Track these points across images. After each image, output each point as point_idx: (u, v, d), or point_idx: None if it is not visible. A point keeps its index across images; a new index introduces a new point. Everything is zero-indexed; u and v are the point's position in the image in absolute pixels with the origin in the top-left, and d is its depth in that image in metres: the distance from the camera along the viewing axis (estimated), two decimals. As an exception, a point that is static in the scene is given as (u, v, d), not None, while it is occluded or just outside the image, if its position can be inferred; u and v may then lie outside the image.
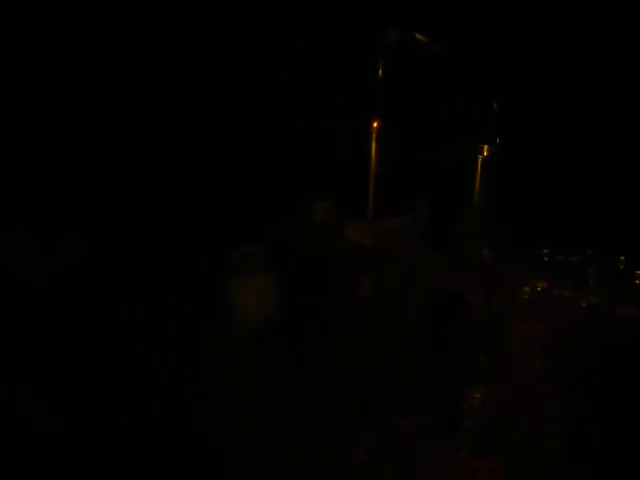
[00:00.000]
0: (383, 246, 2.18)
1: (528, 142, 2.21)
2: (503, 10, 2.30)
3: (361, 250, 2.23)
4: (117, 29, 2.37)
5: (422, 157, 2.26)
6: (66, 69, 2.29)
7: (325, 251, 2.33)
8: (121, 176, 2.53)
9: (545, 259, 1.86)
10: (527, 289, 1.80)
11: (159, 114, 2.54)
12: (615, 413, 1.73)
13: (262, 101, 2.61)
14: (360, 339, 2.18)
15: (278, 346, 2.13)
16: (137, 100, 2.44)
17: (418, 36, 2.19)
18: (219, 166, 2.65)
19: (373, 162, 2.29)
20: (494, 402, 1.72)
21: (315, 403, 1.95)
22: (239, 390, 2.03)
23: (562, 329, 1.71)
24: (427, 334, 2.05)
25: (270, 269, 2.27)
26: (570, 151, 2.20)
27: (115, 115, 2.42)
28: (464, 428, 1.72)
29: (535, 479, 1.73)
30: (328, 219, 2.35)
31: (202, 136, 2.64)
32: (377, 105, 2.31)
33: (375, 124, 2.29)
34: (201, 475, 1.80)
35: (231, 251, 2.36)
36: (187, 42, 2.46)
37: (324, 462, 1.78)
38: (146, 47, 2.42)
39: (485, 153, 2.04)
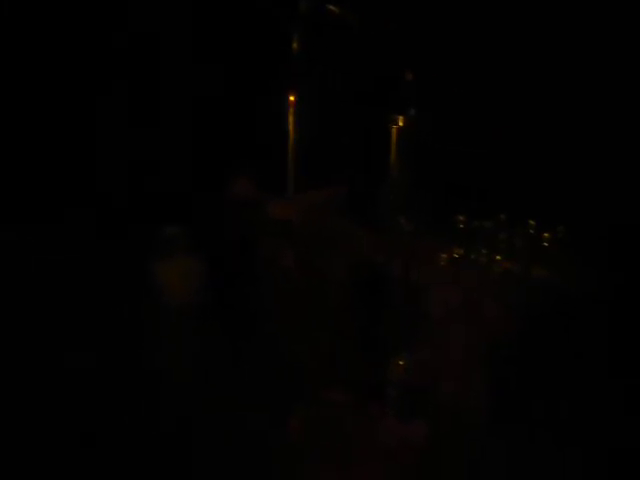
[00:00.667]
0: (305, 219, 2.15)
1: (443, 111, 2.21)
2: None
3: (283, 224, 2.20)
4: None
5: (339, 129, 2.22)
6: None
7: (247, 228, 2.29)
8: (42, 159, 2.41)
9: (461, 226, 1.87)
10: (445, 256, 1.81)
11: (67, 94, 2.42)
12: (534, 373, 1.77)
13: (178, 81, 2.51)
14: (286, 313, 2.16)
15: (206, 324, 2.14)
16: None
17: (331, 7, 2.14)
18: (139, 149, 2.56)
19: (291, 136, 2.25)
20: (417, 368, 1.73)
21: (245, 378, 1.97)
22: (169, 368, 2.04)
23: (479, 294, 1.73)
24: (351, 305, 2.05)
25: (194, 249, 2.26)
26: (482, 119, 2.21)
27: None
28: (390, 396, 1.73)
29: (461, 439, 1.76)
30: (249, 196, 2.32)
31: (116, 119, 2.53)
32: (293, 78, 2.25)
33: (292, 98, 2.24)
34: (137, 447, 1.79)
35: (154, 233, 2.31)
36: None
37: (258, 435, 1.79)
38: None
39: (401, 123, 2.02)
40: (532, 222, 1.86)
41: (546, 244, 1.78)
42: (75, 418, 1.88)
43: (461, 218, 1.90)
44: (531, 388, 1.77)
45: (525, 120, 2.19)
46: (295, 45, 2.21)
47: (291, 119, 2.23)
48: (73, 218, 2.45)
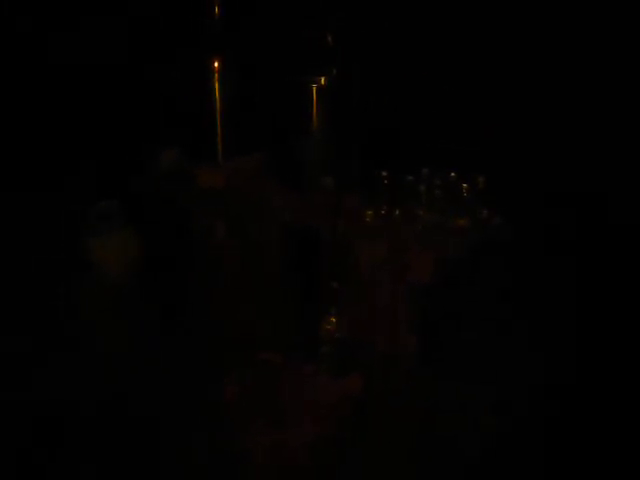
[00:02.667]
0: (234, 186, 2.11)
1: (364, 70, 2.18)
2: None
3: (213, 193, 2.14)
4: None
5: (263, 93, 2.16)
6: None
7: (177, 198, 2.23)
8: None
9: (385, 182, 1.85)
10: (370, 212, 1.79)
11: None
12: (460, 320, 1.79)
13: (99, 52, 2.41)
14: (220, 281, 2.11)
15: (140, 298, 2.09)
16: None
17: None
18: (65, 120, 2.45)
19: (217, 103, 2.18)
20: (348, 325, 1.73)
21: (182, 348, 1.93)
22: (107, 343, 1.99)
23: (404, 247, 1.72)
24: (282, 268, 2.03)
25: (126, 222, 2.21)
26: (401, 77, 2.19)
27: None
28: (322, 353, 1.72)
29: (394, 389, 1.77)
30: (177, 166, 2.27)
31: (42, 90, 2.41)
32: (216, 43, 2.18)
33: (216, 63, 2.16)
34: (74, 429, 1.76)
35: (85, 206, 2.22)
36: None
37: (194, 400, 1.77)
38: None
39: (322, 83, 1.98)
40: (452, 174, 1.86)
41: (465, 194, 1.78)
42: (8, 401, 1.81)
43: (384, 174, 1.88)
44: (459, 334, 1.79)
45: (442, 76, 2.18)
46: (216, 10, 2.13)
47: (216, 85, 2.15)
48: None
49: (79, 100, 2.45)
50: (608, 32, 1.97)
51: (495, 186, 1.84)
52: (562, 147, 2.00)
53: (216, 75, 2.15)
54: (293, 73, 2.12)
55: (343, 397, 1.71)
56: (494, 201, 1.82)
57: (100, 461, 1.73)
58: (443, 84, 2.18)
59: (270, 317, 2.04)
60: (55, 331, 2.00)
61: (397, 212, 1.85)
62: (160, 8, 2.43)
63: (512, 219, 1.82)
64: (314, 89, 1.99)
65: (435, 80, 2.18)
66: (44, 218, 2.32)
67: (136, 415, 1.78)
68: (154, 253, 2.17)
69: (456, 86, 2.16)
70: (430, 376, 1.77)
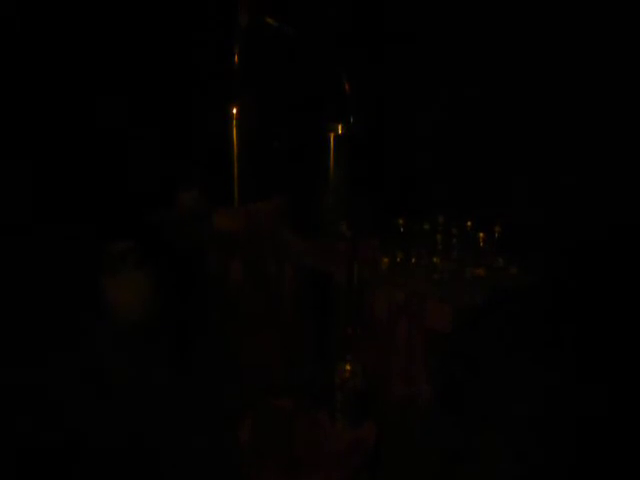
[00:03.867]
0: (251, 230, 2.12)
1: (378, 119, 2.20)
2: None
3: (230, 236, 2.16)
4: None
5: (281, 140, 2.19)
6: None
7: (195, 241, 2.25)
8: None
9: (401, 229, 1.85)
10: (386, 259, 1.78)
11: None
12: (477, 367, 1.76)
13: (121, 92, 2.45)
14: (235, 324, 2.11)
15: (157, 341, 2.11)
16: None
17: (269, 20, 2.12)
18: (81, 162, 2.49)
19: (235, 148, 2.21)
20: (363, 371, 1.71)
21: (197, 392, 1.93)
22: (122, 387, 1.98)
23: (420, 295, 1.71)
24: (297, 313, 2.02)
25: (143, 264, 2.24)
26: (414, 127, 2.21)
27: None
28: (337, 400, 1.70)
29: (409, 437, 1.74)
30: (196, 208, 2.30)
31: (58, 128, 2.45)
32: (235, 91, 2.22)
33: (234, 110, 2.20)
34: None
35: (103, 248, 2.26)
36: None
37: (208, 447, 1.76)
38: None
39: (340, 131, 2.00)
40: (469, 223, 1.85)
41: (482, 244, 1.77)
42: (16, 436, 1.80)
43: (400, 222, 1.88)
44: (476, 382, 1.76)
45: (458, 124, 2.19)
46: (236, 58, 2.18)
47: (234, 131, 2.19)
48: (19, 231, 2.37)
49: (100, 139, 2.49)
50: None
51: (511, 235, 1.83)
52: (576, 196, 2.00)
53: (234, 121, 2.18)
54: (311, 121, 2.15)
55: (357, 445, 1.68)
56: (510, 250, 1.81)
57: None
58: (459, 132, 2.19)
59: (285, 362, 2.03)
60: (70, 367, 2.00)
61: (413, 260, 1.84)
62: (181, 55, 2.48)
63: (528, 268, 1.80)
64: (331, 137, 2.01)
65: (451, 128, 2.20)
66: (62, 256, 2.35)
67: (148, 456, 1.77)
68: (170, 293, 2.20)
69: (471, 134, 2.17)
70: (446, 424, 1.74)
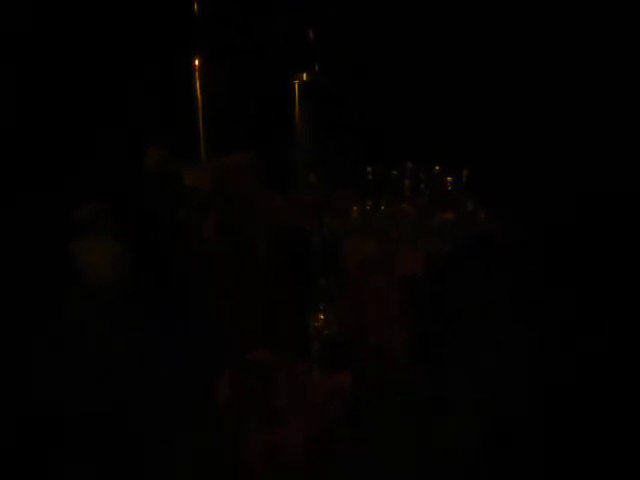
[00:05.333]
0: (220, 185, 2.08)
1: (346, 66, 2.15)
2: None
3: (200, 193, 2.10)
4: None
5: (245, 90, 2.13)
6: None
7: (165, 200, 2.19)
8: None
9: (370, 177, 1.83)
10: (356, 208, 1.77)
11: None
12: (450, 315, 1.77)
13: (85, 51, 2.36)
14: (210, 282, 2.09)
15: (132, 304, 2.06)
16: None
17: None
18: (51, 122, 2.41)
19: (199, 101, 2.14)
20: (338, 320, 1.72)
21: (173, 348, 1.92)
22: (97, 345, 1.96)
23: (392, 241, 1.71)
24: (272, 267, 2.01)
25: (113, 226, 2.18)
26: (383, 71, 2.16)
27: None
28: (313, 350, 1.70)
29: (385, 385, 1.76)
30: (163, 165, 2.22)
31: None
32: (196, 41, 2.14)
33: (196, 61, 2.13)
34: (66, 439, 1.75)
35: (71, 212, 2.18)
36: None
37: (186, 400, 1.76)
38: None
39: (305, 78, 1.95)
40: (437, 167, 1.84)
41: (450, 188, 1.76)
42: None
43: (369, 170, 1.86)
44: (451, 330, 1.78)
45: (425, 69, 2.15)
46: (196, 6, 2.10)
47: (197, 83, 2.12)
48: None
49: (62, 101, 2.41)
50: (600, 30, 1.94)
51: (480, 180, 1.82)
52: (544, 140, 1.99)
53: (197, 73, 2.11)
54: (275, 69, 2.09)
55: (334, 394, 1.70)
56: (479, 195, 1.81)
57: (91, 459, 1.73)
58: (429, 78, 2.15)
59: (260, 316, 2.02)
60: (43, 334, 1.97)
61: (382, 207, 1.84)
62: (141, 8, 2.38)
63: (498, 212, 1.81)
64: (296, 85, 1.96)
65: (420, 75, 2.16)
66: (29, 222, 2.29)
67: (128, 415, 1.78)
68: (143, 254, 2.13)
69: (441, 80, 2.14)
70: (420, 373, 1.76)
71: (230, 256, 2.07)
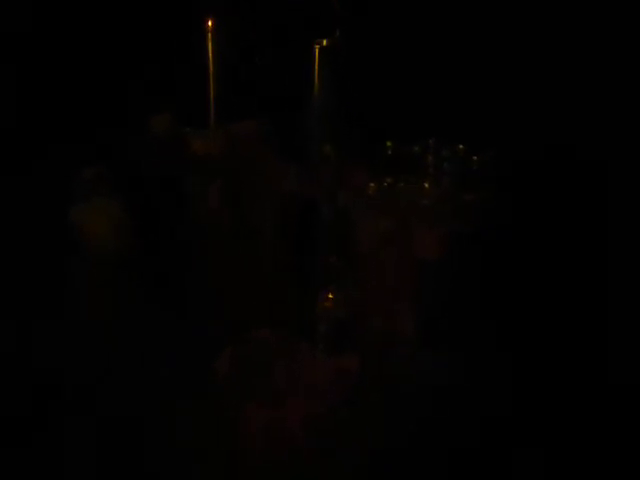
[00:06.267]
0: (228, 153, 1.99)
1: (370, 34, 2.02)
2: None
3: (207, 159, 2.02)
4: None
5: (260, 55, 2.01)
6: None
7: (170, 167, 2.10)
8: None
9: (389, 152, 1.72)
10: (373, 185, 1.66)
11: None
12: (466, 300, 1.69)
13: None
14: (214, 253, 2.02)
15: (136, 272, 1.99)
16: None
17: None
18: (51, 83, 2.30)
19: (210, 64, 2.02)
20: (346, 301, 1.63)
21: (175, 322, 1.86)
22: (97, 314, 1.91)
23: (410, 221, 1.61)
24: (279, 240, 1.91)
25: (116, 191, 2.08)
26: (409, 42, 2.04)
27: None
28: (319, 331, 1.62)
29: (391, 370, 1.68)
30: (170, 131, 2.11)
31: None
32: (209, 1, 2.02)
33: (209, 22, 2.00)
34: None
35: (73, 174, 2.09)
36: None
37: (187, 377, 1.71)
38: None
39: (324, 44, 1.83)
40: (461, 146, 1.73)
41: (475, 167, 1.66)
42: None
43: (389, 144, 1.75)
44: (463, 316, 1.69)
45: (452, 42, 2.03)
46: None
47: (209, 46, 2.00)
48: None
49: (64, 63, 2.30)
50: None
51: (506, 160, 1.72)
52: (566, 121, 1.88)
53: (209, 35, 1.99)
54: (294, 33, 1.97)
55: (339, 377, 1.63)
56: (505, 175, 1.71)
57: (89, 434, 1.67)
58: (453, 51, 2.03)
59: (266, 292, 1.94)
60: (43, 302, 1.91)
61: (401, 185, 1.73)
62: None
63: (518, 195, 1.71)
64: (316, 51, 1.83)
65: (444, 47, 2.04)
66: (30, 188, 2.18)
67: (127, 391, 1.71)
68: (145, 222, 2.05)
69: (466, 53, 2.02)
70: (428, 355, 1.69)
71: (234, 226, 1.99)
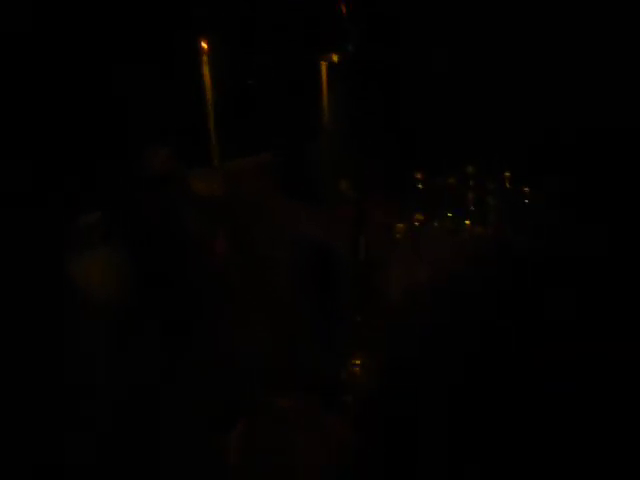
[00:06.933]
0: (233, 193, 1.73)
1: (386, 46, 1.71)
2: None
3: (210, 200, 1.80)
4: None
5: (265, 80, 1.74)
6: None
7: (170, 207, 1.89)
8: None
9: (419, 185, 1.40)
10: (402, 225, 1.35)
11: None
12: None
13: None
14: (223, 307, 1.78)
15: (133, 323, 1.79)
16: None
17: None
18: (44, 124, 2.11)
19: (208, 92, 1.77)
20: (377, 369, 1.34)
21: (181, 384, 1.64)
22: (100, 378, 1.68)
23: (447, 271, 1.30)
24: (296, 295, 1.63)
25: (114, 237, 1.89)
26: (430, 59, 1.72)
27: None
28: (345, 403, 1.33)
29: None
30: (168, 169, 1.89)
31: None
32: (204, 21, 1.76)
33: (204, 45, 1.74)
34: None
35: (69, 222, 1.89)
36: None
37: (196, 451, 1.51)
38: None
39: (335, 59, 1.52)
40: (508, 174, 1.40)
41: (526, 201, 1.33)
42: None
43: (418, 176, 1.43)
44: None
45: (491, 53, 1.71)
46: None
47: (206, 70, 1.74)
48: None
49: (55, 99, 2.11)
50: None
51: (569, 189, 1.39)
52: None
53: (205, 57, 1.72)
54: (299, 50, 1.67)
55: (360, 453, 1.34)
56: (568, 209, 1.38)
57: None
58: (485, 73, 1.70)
59: (283, 352, 1.66)
60: (36, 358, 1.65)
61: (436, 224, 1.41)
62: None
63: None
64: (324, 67, 1.53)
65: (480, 61, 1.71)
66: (27, 235, 2.04)
67: (127, 461, 1.48)
68: (146, 270, 1.82)
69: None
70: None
71: (246, 278, 1.75)
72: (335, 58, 1.55)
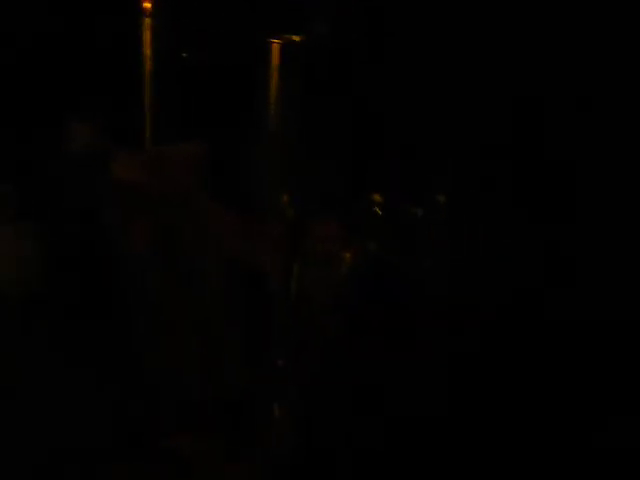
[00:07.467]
0: (160, 185, 1.52)
1: (352, 32, 1.43)
2: None
3: (133, 188, 1.64)
4: None
5: (208, 55, 1.47)
6: None
7: (89, 188, 1.75)
8: None
9: (377, 210, 1.14)
10: (348, 255, 1.10)
11: None
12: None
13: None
14: (134, 309, 1.64)
15: (39, 317, 1.67)
16: None
17: None
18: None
19: (147, 62, 1.52)
20: (302, 413, 1.13)
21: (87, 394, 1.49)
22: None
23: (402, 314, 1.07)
24: (220, 306, 1.42)
25: (22, 217, 1.79)
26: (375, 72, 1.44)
27: None
28: (265, 450, 1.22)
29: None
30: (91, 147, 1.77)
31: None
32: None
33: (147, 4, 1.47)
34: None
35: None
36: None
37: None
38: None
39: (291, 41, 1.25)
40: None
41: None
42: None
43: (377, 198, 1.17)
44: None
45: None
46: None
47: (147, 36, 1.48)
48: None
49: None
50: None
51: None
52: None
53: (146, 20, 1.46)
54: (250, 26, 1.39)
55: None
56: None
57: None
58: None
59: (202, 370, 1.49)
60: None
61: (396, 261, 1.16)
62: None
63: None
64: (274, 48, 1.26)
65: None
66: None
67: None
68: (58, 253, 1.75)
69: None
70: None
71: (167, 280, 1.60)
72: (296, 39, 1.26)
